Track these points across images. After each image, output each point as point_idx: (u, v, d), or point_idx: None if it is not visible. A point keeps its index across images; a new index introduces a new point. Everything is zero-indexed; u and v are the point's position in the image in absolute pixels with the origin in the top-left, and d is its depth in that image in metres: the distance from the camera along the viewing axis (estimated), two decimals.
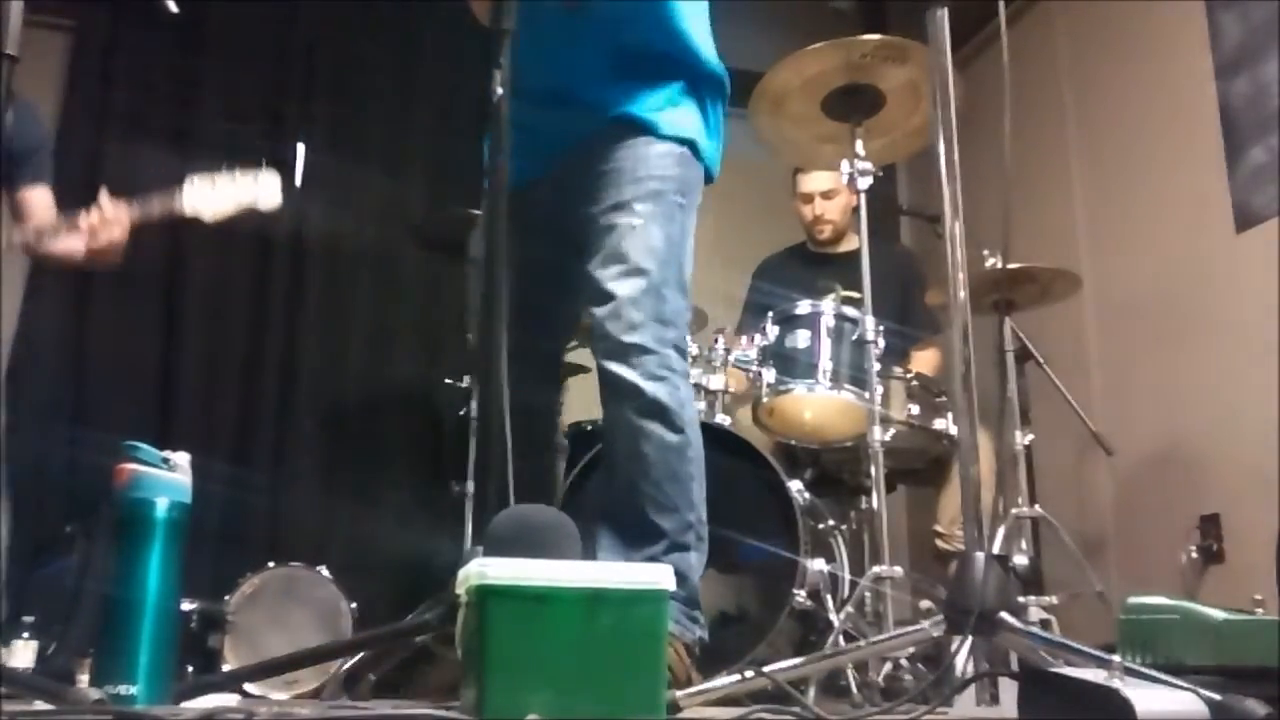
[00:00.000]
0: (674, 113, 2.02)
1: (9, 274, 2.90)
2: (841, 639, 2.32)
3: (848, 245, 3.56)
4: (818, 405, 2.77)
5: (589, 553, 1.86)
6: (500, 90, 1.58)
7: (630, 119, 1.98)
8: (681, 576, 1.81)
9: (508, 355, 2.08)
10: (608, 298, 1.89)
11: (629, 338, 1.86)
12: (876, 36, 2.60)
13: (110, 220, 2.53)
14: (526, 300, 2.02)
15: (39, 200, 2.76)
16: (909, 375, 2.88)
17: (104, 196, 2.56)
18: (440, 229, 3.46)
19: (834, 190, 3.51)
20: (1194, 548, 3.25)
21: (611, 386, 1.89)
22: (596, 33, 1.98)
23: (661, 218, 1.94)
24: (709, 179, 2.12)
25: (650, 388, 1.86)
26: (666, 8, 2.01)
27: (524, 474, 2.11)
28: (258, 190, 2.64)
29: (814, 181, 3.54)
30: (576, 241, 1.97)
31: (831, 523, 2.84)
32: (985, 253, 2.97)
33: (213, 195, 2.59)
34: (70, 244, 2.61)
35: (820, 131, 2.77)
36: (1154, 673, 1.21)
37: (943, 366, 3.35)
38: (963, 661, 1.43)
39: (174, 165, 2.69)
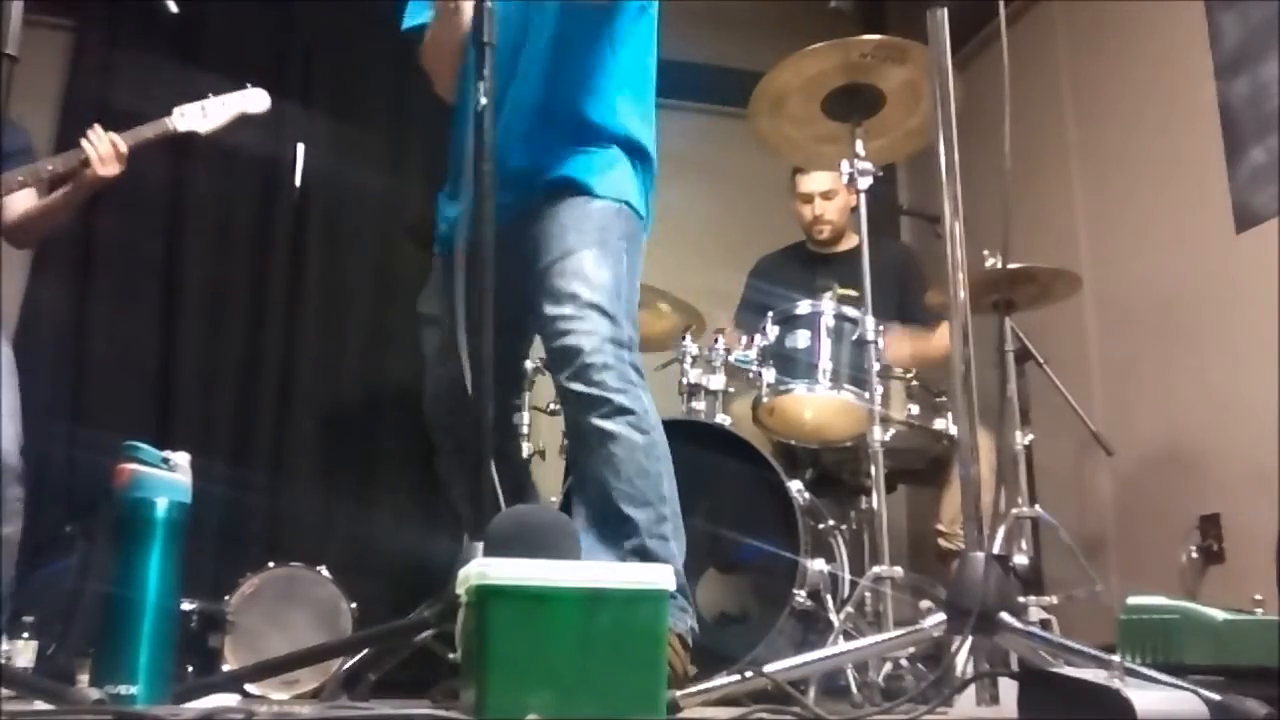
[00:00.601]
0: (610, 175, 2.13)
1: (10, 274, 2.92)
2: (841, 639, 2.32)
3: (845, 244, 3.56)
4: (818, 405, 2.77)
5: None
6: (484, 100, 1.61)
7: (569, 181, 2.09)
8: (662, 564, 1.86)
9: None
10: (564, 331, 1.98)
11: (590, 359, 1.94)
12: (876, 36, 2.60)
13: (109, 151, 2.58)
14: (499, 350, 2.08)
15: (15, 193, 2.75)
16: (909, 375, 2.88)
17: (97, 129, 2.60)
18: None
19: (833, 190, 3.51)
20: (1194, 548, 3.25)
21: (575, 401, 1.96)
22: (536, 100, 2.11)
23: (609, 258, 2.04)
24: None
25: (616, 397, 1.94)
26: (602, 84, 2.14)
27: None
28: (245, 102, 2.68)
29: (813, 182, 3.53)
30: (525, 296, 2.05)
31: (831, 523, 2.84)
32: (985, 253, 2.97)
33: (204, 114, 2.64)
34: (38, 202, 2.63)
35: (820, 131, 2.77)
36: (1154, 673, 1.21)
37: (926, 353, 3.33)
38: (963, 661, 1.43)
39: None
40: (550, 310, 2.00)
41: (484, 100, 1.63)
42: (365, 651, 1.91)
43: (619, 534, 1.91)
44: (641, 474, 1.93)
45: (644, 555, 1.89)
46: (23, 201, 2.73)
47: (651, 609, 1.14)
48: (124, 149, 2.63)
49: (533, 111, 2.10)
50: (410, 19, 2.20)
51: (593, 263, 2.02)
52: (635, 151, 2.19)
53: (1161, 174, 3.56)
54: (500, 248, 2.06)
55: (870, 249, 2.62)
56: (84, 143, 2.61)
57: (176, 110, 2.67)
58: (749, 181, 4.05)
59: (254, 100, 2.70)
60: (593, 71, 2.13)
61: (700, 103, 4.23)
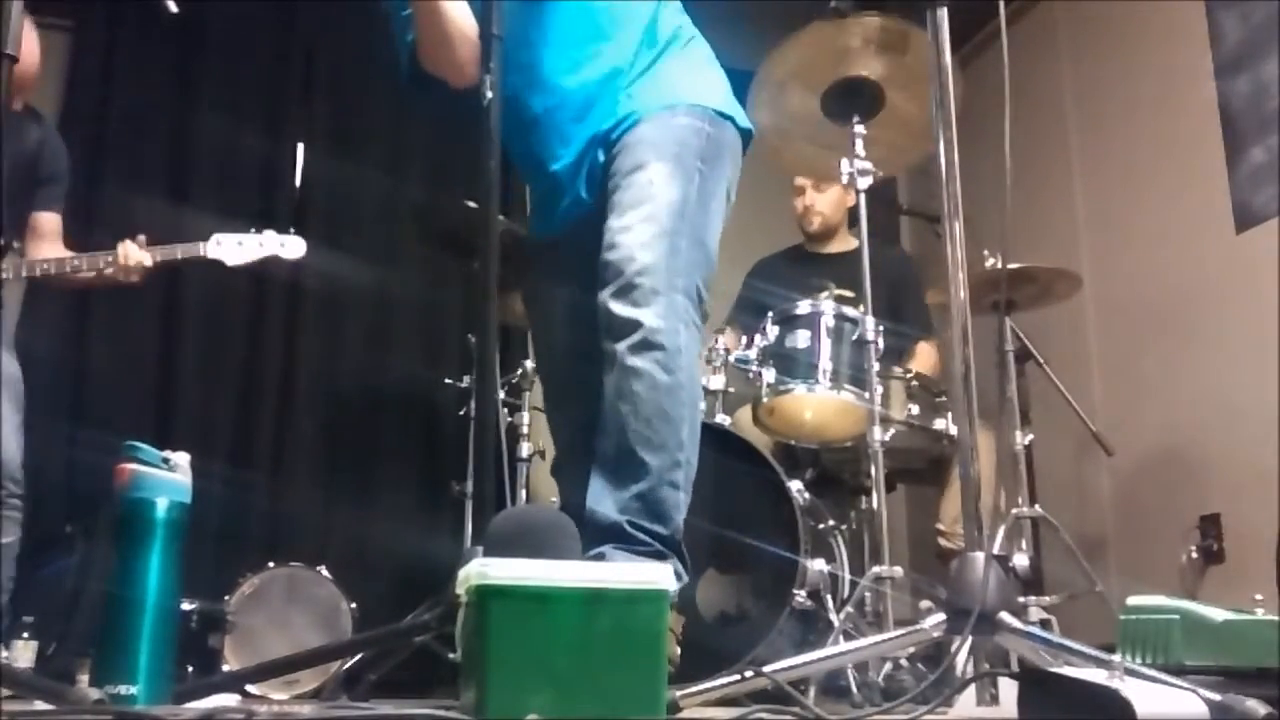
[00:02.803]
0: (687, 84, 2.02)
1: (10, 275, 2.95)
2: (841, 639, 2.32)
3: (841, 245, 3.56)
4: (818, 405, 2.77)
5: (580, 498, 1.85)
6: (490, 94, 1.59)
7: (654, 111, 1.98)
8: (666, 515, 1.81)
9: (570, 401, 2.09)
10: (615, 244, 1.86)
11: (637, 279, 1.83)
12: (876, 15, 2.59)
13: (134, 264, 2.72)
14: (581, 344, 1.98)
15: (49, 225, 2.88)
16: (909, 375, 2.88)
17: (132, 243, 2.73)
18: (440, 225, 3.46)
19: (825, 183, 3.52)
20: (1194, 548, 3.25)
21: (610, 325, 1.84)
22: (595, 66, 2.02)
23: (680, 177, 1.92)
24: (748, 137, 2.11)
25: (650, 324, 1.82)
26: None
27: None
28: (280, 247, 2.78)
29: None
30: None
31: (831, 523, 2.84)
32: (985, 253, 2.97)
33: (237, 248, 2.75)
34: (82, 276, 2.76)
35: (820, 137, 2.77)
36: (1154, 673, 1.21)
37: (939, 364, 3.35)
38: (963, 661, 1.43)
39: (174, 166, 2.73)
40: (609, 222, 1.89)
41: (489, 94, 1.61)
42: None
43: (629, 477, 1.82)
44: (661, 416, 1.82)
45: (650, 501, 1.80)
46: (51, 233, 2.87)
47: (651, 609, 1.14)
48: (149, 264, 2.76)
49: (594, 75, 2.02)
50: (403, 45, 2.07)
51: (663, 177, 1.90)
52: (681, 32, 2.09)
53: (1161, 174, 3.57)
54: (586, 233, 1.97)
55: (869, 253, 2.63)
56: (118, 250, 2.74)
57: (214, 238, 2.75)
58: (748, 181, 4.05)
59: (290, 247, 2.78)
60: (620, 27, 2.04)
61: None
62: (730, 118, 2.05)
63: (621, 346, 1.82)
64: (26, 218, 2.83)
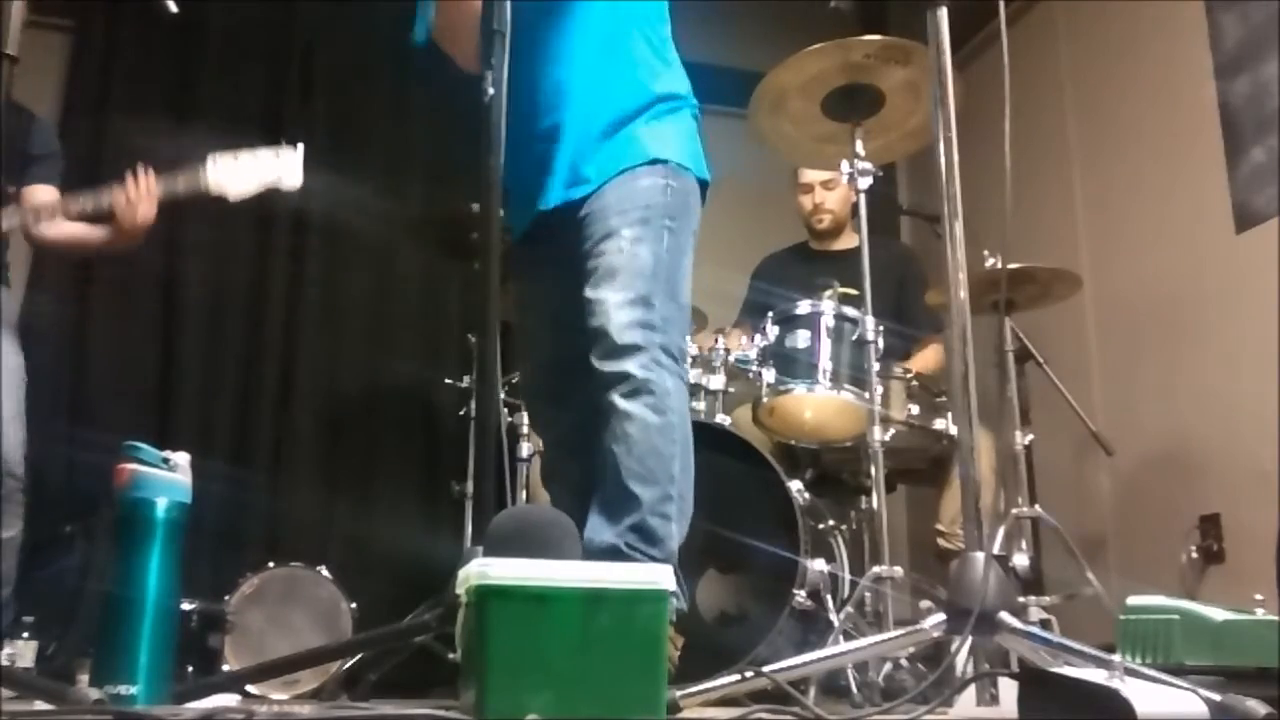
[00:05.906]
0: (648, 141, 2.08)
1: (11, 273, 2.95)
2: (841, 639, 2.32)
3: (846, 243, 3.56)
4: (818, 405, 2.77)
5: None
6: (491, 91, 1.59)
7: (615, 174, 2.05)
8: (660, 540, 1.90)
9: (555, 406, 2.16)
10: (596, 312, 1.96)
11: (617, 340, 1.93)
12: (879, 37, 2.60)
13: (142, 193, 2.61)
14: (563, 349, 2.06)
15: (42, 196, 2.80)
16: (909, 375, 2.88)
17: (138, 170, 2.63)
18: (438, 226, 3.46)
19: (834, 181, 3.52)
20: (1194, 548, 3.25)
21: (601, 380, 1.94)
22: (564, 91, 2.07)
23: (650, 239, 2.01)
24: (705, 187, 2.16)
25: (639, 374, 1.92)
26: (621, 55, 2.11)
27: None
28: (280, 169, 2.69)
29: (814, 172, 3.55)
30: (580, 276, 2.04)
31: (831, 523, 2.84)
32: (985, 253, 2.97)
33: (236, 174, 2.65)
34: (74, 230, 2.66)
35: (820, 131, 2.78)
36: (1154, 673, 1.21)
37: (942, 364, 3.35)
38: (963, 661, 1.43)
39: (174, 165, 2.72)
40: (587, 293, 1.99)
41: (491, 90, 1.61)
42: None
43: (623, 510, 1.90)
44: (653, 453, 1.92)
45: (643, 532, 1.88)
46: (59, 227, 2.75)
47: (651, 609, 1.14)
48: (154, 197, 2.65)
49: (566, 104, 2.08)
50: (420, 28, 2.16)
51: (632, 241, 2.00)
52: (671, 99, 2.16)
53: (1161, 174, 3.57)
54: (557, 218, 2.07)
55: (872, 248, 2.63)
56: (117, 189, 2.62)
57: (210, 159, 2.67)
58: (749, 182, 4.06)
59: (288, 170, 2.70)
60: (608, 47, 2.10)
61: (700, 103, 4.22)
62: (689, 169, 2.12)
63: (614, 395, 1.93)
64: (18, 192, 2.76)
